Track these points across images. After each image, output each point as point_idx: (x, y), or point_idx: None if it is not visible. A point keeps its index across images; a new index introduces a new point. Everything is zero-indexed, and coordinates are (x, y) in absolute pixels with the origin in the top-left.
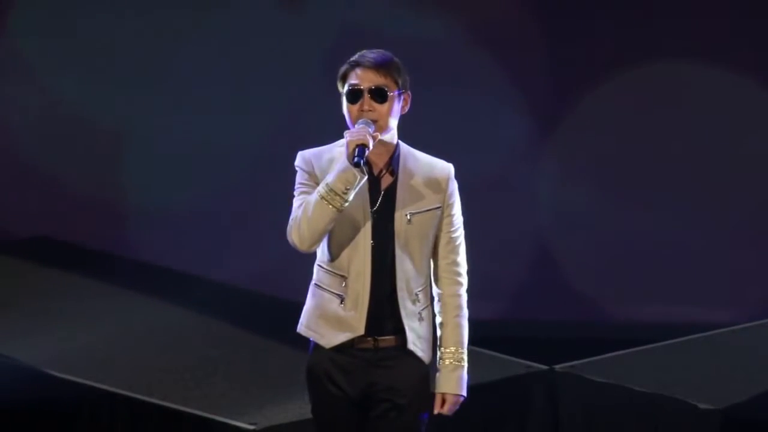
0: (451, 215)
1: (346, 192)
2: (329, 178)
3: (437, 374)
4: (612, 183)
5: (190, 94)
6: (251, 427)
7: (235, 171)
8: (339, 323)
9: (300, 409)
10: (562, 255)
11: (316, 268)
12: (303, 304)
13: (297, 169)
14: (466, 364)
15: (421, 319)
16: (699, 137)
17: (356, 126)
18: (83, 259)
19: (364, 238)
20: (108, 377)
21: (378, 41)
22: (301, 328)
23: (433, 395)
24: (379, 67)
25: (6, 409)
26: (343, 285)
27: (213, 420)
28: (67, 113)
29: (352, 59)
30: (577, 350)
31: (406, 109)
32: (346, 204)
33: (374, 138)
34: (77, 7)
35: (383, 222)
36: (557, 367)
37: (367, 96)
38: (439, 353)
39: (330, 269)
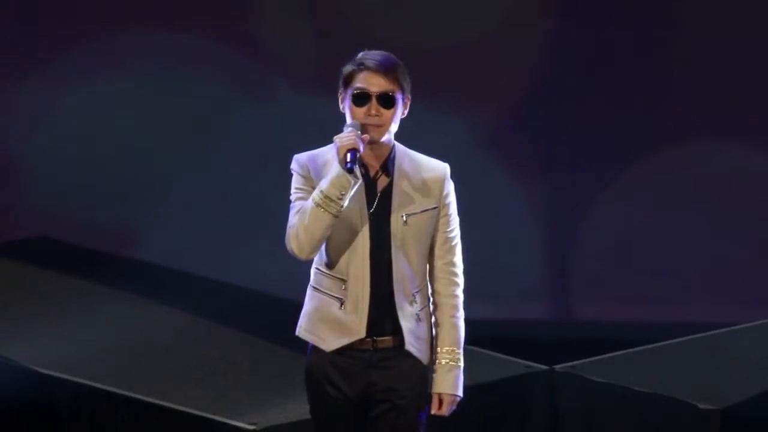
0: (447, 215)
1: (341, 198)
2: (323, 184)
3: (434, 374)
4: (612, 183)
5: (193, 95)
6: (251, 427)
7: (236, 170)
8: (339, 327)
9: (300, 409)
10: (563, 255)
11: (313, 271)
12: (303, 304)
13: (292, 172)
14: (462, 365)
15: (418, 320)
16: (699, 137)
17: (345, 130)
18: (83, 259)
19: (362, 241)
20: (108, 377)
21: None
22: (300, 331)
23: (430, 395)
24: (388, 71)
25: (6, 409)
26: (343, 288)
27: (213, 420)
28: (66, 113)
29: (357, 60)
30: (577, 350)
31: (405, 113)
32: (342, 209)
33: (364, 141)
34: None
35: (380, 224)
36: (557, 367)
37: (374, 101)
38: (435, 353)
39: (328, 272)
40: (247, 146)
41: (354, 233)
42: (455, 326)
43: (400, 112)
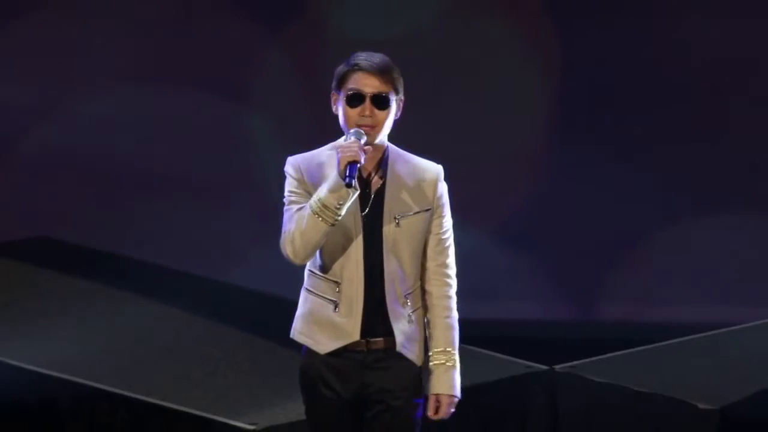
0: (440, 217)
1: (339, 207)
2: (321, 192)
3: (430, 376)
4: (612, 183)
5: (191, 94)
6: (251, 427)
7: (236, 170)
8: (334, 329)
9: (300, 408)
10: (563, 255)
11: (307, 274)
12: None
13: (286, 175)
14: (458, 365)
15: (410, 321)
16: (700, 136)
17: (347, 137)
18: (83, 259)
19: (356, 243)
20: (108, 377)
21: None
22: (295, 334)
23: (426, 397)
24: (383, 72)
25: (6, 409)
26: (337, 291)
27: (213, 420)
28: (66, 113)
29: (351, 61)
30: (577, 350)
31: (399, 115)
32: (339, 218)
33: (366, 152)
34: None
35: (373, 226)
36: (557, 367)
37: (369, 102)
38: (429, 355)
39: (322, 275)
40: (246, 146)
41: (347, 236)
42: (449, 327)
43: (394, 113)
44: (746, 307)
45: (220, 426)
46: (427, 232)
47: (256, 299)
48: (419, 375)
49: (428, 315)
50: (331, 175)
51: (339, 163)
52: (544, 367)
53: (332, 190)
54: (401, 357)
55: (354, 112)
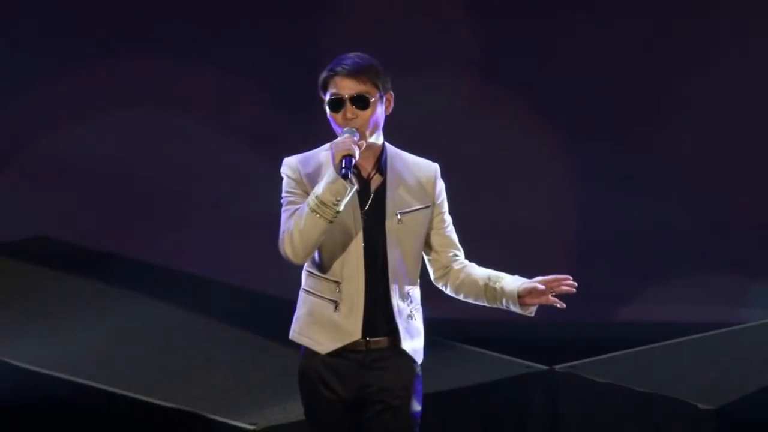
0: (441, 213)
1: (337, 203)
2: (318, 189)
3: (511, 287)
4: (612, 183)
5: (192, 94)
6: (251, 427)
7: (236, 170)
8: (335, 329)
9: (300, 409)
10: (562, 255)
11: (305, 274)
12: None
13: (283, 176)
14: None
15: (412, 318)
16: (700, 136)
17: (341, 136)
18: (83, 259)
19: (356, 242)
20: (108, 377)
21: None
22: (294, 335)
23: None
24: (358, 73)
25: (6, 409)
26: (337, 290)
27: (213, 420)
28: (67, 113)
29: (330, 66)
30: (577, 350)
31: (390, 110)
32: (338, 215)
33: (360, 147)
34: None
35: (374, 224)
36: (557, 367)
37: (348, 104)
38: (487, 283)
39: (321, 275)
40: (246, 146)
41: (347, 234)
42: (478, 268)
43: (381, 110)
44: (747, 307)
45: (220, 426)
46: (429, 229)
47: (255, 299)
48: (419, 374)
49: (465, 275)
50: (327, 172)
51: (334, 158)
52: (544, 367)
53: (329, 186)
54: (401, 355)
55: (338, 116)
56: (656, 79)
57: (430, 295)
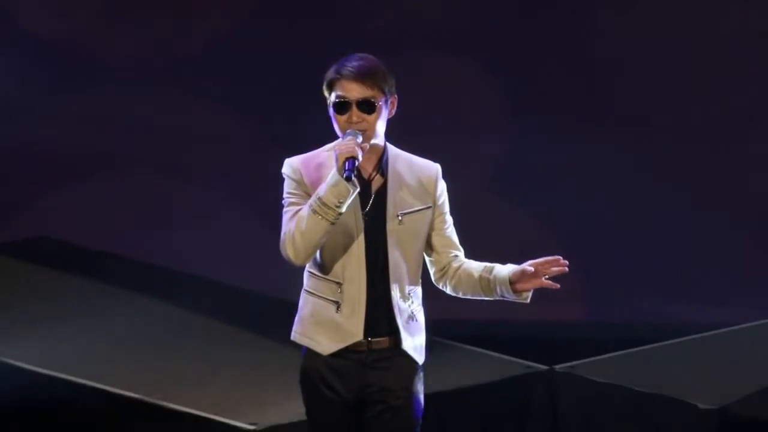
0: (442, 214)
1: (339, 205)
2: (320, 191)
3: (503, 274)
4: (612, 183)
5: (189, 91)
6: (251, 427)
7: (236, 170)
8: (337, 330)
9: (300, 408)
10: (562, 255)
11: (306, 275)
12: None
13: (284, 177)
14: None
15: (413, 318)
16: (700, 137)
17: (344, 137)
18: (83, 259)
19: (357, 243)
20: (108, 377)
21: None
22: (296, 336)
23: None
24: (365, 77)
25: (6, 409)
26: (339, 291)
27: (213, 420)
28: (67, 113)
29: (336, 67)
30: (577, 350)
31: (393, 112)
32: (340, 216)
33: (363, 149)
34: None
35: (375, 224)
36: (557, 367)
37: (355, 108)
38: (481, 274)
39: (323, 276)
40: (247, 146)
41: (348, 235)
42: (473, 262)
43: (385, 114)
44: (746, 307)
45: (220, 426)
46: (430, 229)
47: (256, 300)
48: (420, 374)
49: (458, 272)
50: (330, 173)
51: (337, 160)
52: (544, 367)
53: (331, 187)
54: (402, 355)
55: (343, 118)
56: (650, 76)
57: (431, 295)
